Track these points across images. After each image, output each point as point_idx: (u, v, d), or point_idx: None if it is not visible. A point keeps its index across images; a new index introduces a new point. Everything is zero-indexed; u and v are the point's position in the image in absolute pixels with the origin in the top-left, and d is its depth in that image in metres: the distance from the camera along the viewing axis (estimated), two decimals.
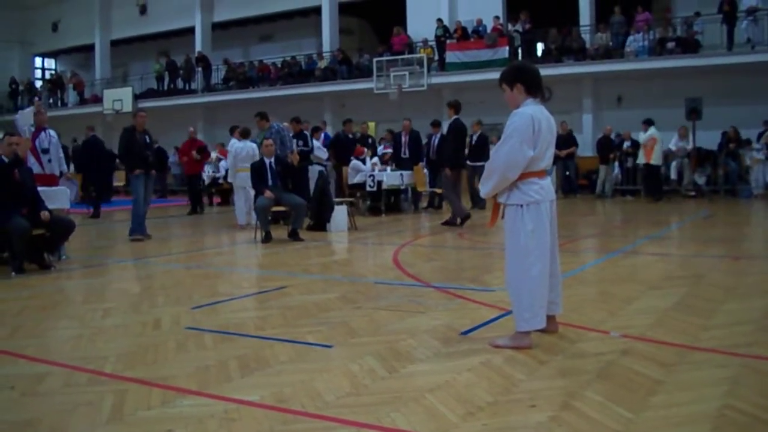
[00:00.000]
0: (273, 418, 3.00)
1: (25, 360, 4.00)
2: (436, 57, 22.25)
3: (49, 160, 10.25)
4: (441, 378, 3.48)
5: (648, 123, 16.70)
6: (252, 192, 10.98)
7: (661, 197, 16.67)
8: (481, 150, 15.05)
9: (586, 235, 10.35)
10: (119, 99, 26.98)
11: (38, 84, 33.00)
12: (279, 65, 25.50)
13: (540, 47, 21.69)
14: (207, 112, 27.33)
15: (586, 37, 20.34)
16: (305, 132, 13.07)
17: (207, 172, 17.93)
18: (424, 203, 15.79)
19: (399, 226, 12.00)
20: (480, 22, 21.55)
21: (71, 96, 30.81)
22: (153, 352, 4.11)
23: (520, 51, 20.82)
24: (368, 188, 13.71)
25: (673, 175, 17.74)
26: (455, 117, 11.62)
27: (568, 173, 18.62)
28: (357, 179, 13.90)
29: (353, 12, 27.19)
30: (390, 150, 15.20)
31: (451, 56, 21.62)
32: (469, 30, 21.69)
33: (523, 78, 4.12)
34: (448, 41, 21.89)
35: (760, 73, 17.52)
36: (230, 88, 26.18)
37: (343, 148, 14.48)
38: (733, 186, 17.24)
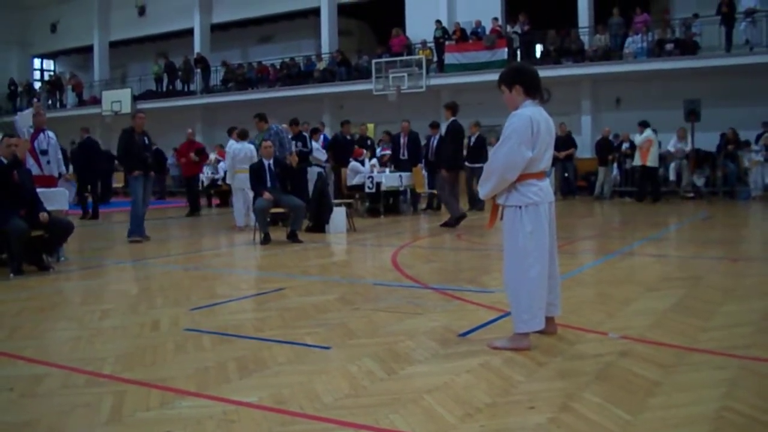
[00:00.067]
0: (271, 419, 3.00)
1: (23, 361, 3.99)
2: (435, 58, 22.26)
3: (48, 162, 10.26)
4: (439, 379, 3.48)
5: (643, 125, 16.74)
6: (250, 193, 10.98)
7: (659, 198, 16.70)
8: (479, 151, 15.08)
9: (585, 236, 10.36)
10: (118, 100, 26.99)
11: (37, 85, 32.99)
12: (278, 66, 25.50)
13: (539, 49, 21.71)
14: (206, 114, 27.32)
15: (584, 38, 20.36)
16: (304, 133, 13.08)
17: (206, 174, 17.93)
18: (423, 205, 15.80)
19: (398, 228, 12.00)
20: (479, 23, 21.57)
21: (70, 97, 30.80)
22: (151, 353, 4.11)
23: (518, 52, 20.83)
24: (367, 190, 13.71)
25: (672, 177, 17.77)
26: (452, 118, 11.63)
27: (566, 175, 18.63)
28: (356, 181, 13.90)
29: (352, 13, 27.21)
30: (389, 151, 15.20)
31: (449, 58, 21.62)
32: (468, 31, 21.70)
33: (521, 79, 4.12)
34: (446, 43, 21.90)
35: (758, 75, 17.55)
36: (229, 89, 26.17)
37: (342, 150, 14.48)
38: (732, 187, 17.26)
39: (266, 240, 9.66)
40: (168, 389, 3.42)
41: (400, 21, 23.71)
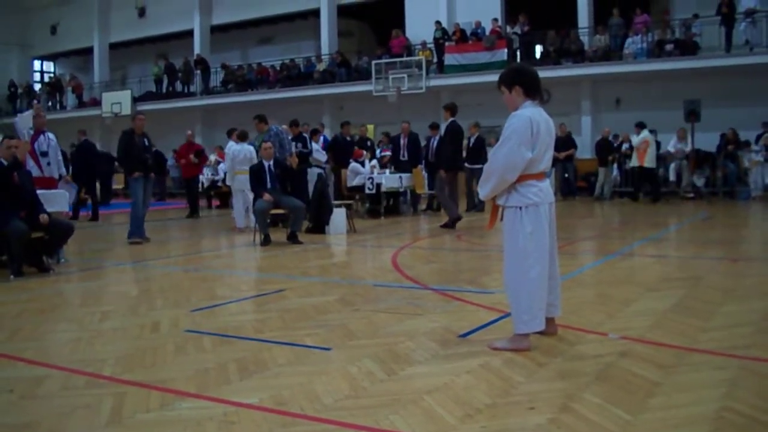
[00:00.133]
0: (272, 420, 3.00)
1: (23, 363, 4.00)
2: (435, 59, 22.26)
3: (48, 163, 10.24)
4: (439, 380, 3.48)
5: (640, 126, 16.77)
6: (250, 195, 10.99)
7: (659, 198, 16.73)
8: (478, 152, 15.09)
9: (585, 237, 10.36)
10: (118, 102, 26.99)
11: (37, 87, 32.99)
12: (278, 68, 25.51)
13: (538, 49, 21.71)
14: (206, 115, 27.33)
15: (584, 39, 20.36)
16: (304, 135, 13.09)
17: (206, 175, 17.93)
18: (423, 206, 15.81)
19: (398, 229, 12.00)
20: (478, 24, 21.57)
21: (70, 99, 30.81)
22: (151, 354, 4.11)
23: (518, 53, 20.84)
24: (367, 191, 13.72)
25: (672, 177, 17.78)
26: (451, 119, 11.64)
27: (567, 175, 18.62)
28: (356, 182, 13.90)
29: (352, 14, 27.21)
30: (389, 153, 15.21)
31: (449, 59, 21.62)
32: (468, 32, 21.69)
33: (521, 80, 4.12)
34: (446, 43, 21.90)
35: (758, 75, 17.55)
36: (229, 90, 26.17)
37: (342, 151, 14.49)
38: (732, 188, 17.26)
39: (266, 241, 9.66)
40: (168, 391, 3.42)
41: (399, 22, 23.72)
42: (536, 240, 4.00)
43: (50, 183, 9.88)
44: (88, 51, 31.33)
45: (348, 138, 14.90)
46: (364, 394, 3.33)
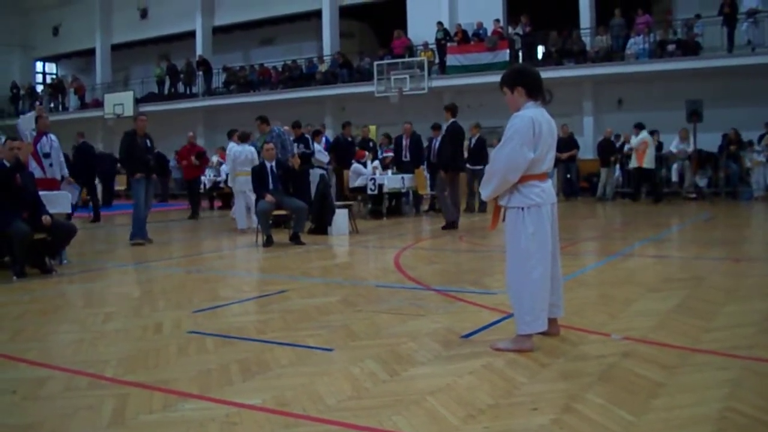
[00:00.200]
0: (274, 421, 3.00)
1: (26, 364, 4.00)
2: (437, 60, 22.27)
3: (51, 165, 10.27)
4: (442, 381, 3.48)
5: (639, 127, 16.77)
6: (252, 196, 10.99)
7: (660, 199, 16.73)
8: (479, 153, 15.08)
9: (587, 237, 10.35)
10: (120, 103, 26.99)
11: (39, 88, 33.02)
12: (280, 69, 25.53)
13: (540, 50, 21.70)
14: (208, 116, 27.34)
15: (586, 39, 20.35)
16: (306, 135, 13.09)
17: (208, 176, 17.94)
18: (425, 206, 15.80)
19: (400, 230, 12.00)
20: (480, 25, 21.56)
21: (72, 100, 30.85)
22: (154, 356, 4.11)
23: (520, 54, 20.83)
24: (369, 191, 13.72)
25: (674, 178, 17.77)
26: (452, 120, 11.63)
27: (569, 176, 18.60)
28: (358, 182, 13.91)
29: (354, 15, 27.22)
30: (391, 153, 15.22)
31: (451, 59, 21.63)
32: (470, 33, 21.69)
33: (523, 81, 4.12)
34: (448, 44, 21.90)
35: (760, 75, 17.53)
36: (231, 91, 26.20)
37: (343, 152, 14.51)
38: (734, 188, 17.24)
39: (268, 242, 9.67)
40: (171, 392, 3.42)
41: (401, 23, 23.72)
42: (538, 241, 4.00)
43: (53, 184, 9.91)
44: (91, 52, 31.37)
45: (349, 139, 14.91)
46: (366, 394, 3.32)
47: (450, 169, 11.57)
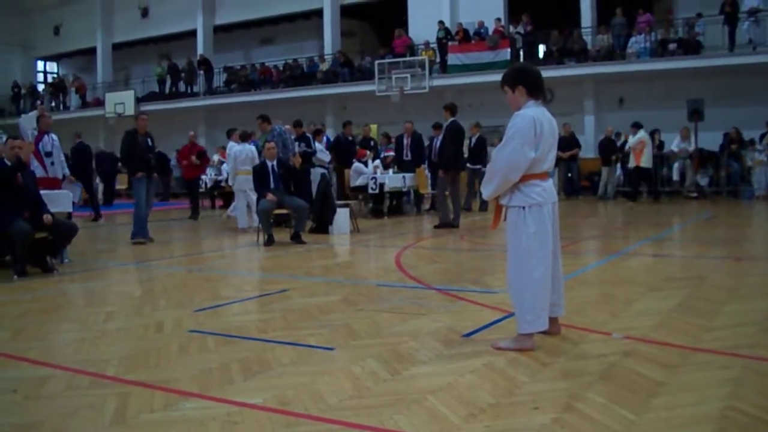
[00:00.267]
0: (276, 420, 3.00)
1: (27, 363, 4.00)
2: (438, 59, 22.26)
3: (52, 163, 10.29)
4: (443, 380, 3.48)
5: (637, 126, 16.77)
6: (252, 195, 10.99)
7: (658, 197, 16.74)
8: (479, 153, 15.07)
9: (588, 236, 10.34)
10: (121, 102, 27.01)
11: (40, 87, 33.05)
12: (281, 68, 25.53)
13: (542, 49, 21.72)
14: (209, 115, 27.35)
15: (587, 38, 20.34)
16: (307, 134, 13.10)
17: (209, 175, 17.94)
18: (426, 205, 15.80)
19: (401, 229, 12.00)
20: (481, 24, 21.56)
21: (73, 99, 30.86)
22: (155, 355, 4.11)
23: (521, 53, 20.84)
24: (370, 191, 13.72)
25: (676, 177, 17.76)
26: (452, 119, 11.62)
27: (570, 175, 18.60)
28: (359, 182, 13.91)
29: (355, 14, 27.21)
30: (392, 153, 15.22)
31: (452, 58, 21.62)
32: (471, 32, 21.69)
33: (524, 80, 4.12)
34: (449, 43, 21.90)
35: (761, 74, 17.52)
36: (232, 91, 26.21)
37: (344, 151, 14.51)
38: (736, 187, 17.23)
39: (270, 241, 9.67)
40: (172, 391, 3.42)
41: (402, 22, 23.72)
42: (539, 240, 4.00)
43: (54, 183, 9.93)
44: (91, 51, 31.38)
45: (350, 138, 14.91)
46: (367, 394, 3.32)
47: (451, 168, 11.56)
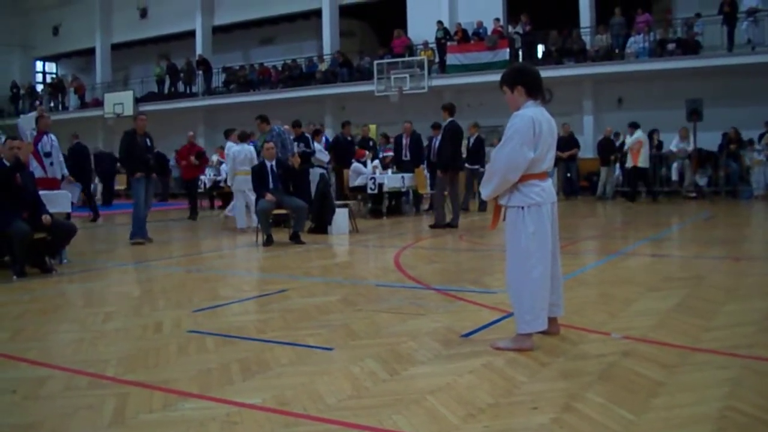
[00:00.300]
0: (275, 420, 3.00)
1: (26, 363, 4.00)
2: (437, 59, 22.26)
3: (51, 164, 10.29)
4: (442, 380, 3.48)
5: (634, 126, 16.78)
6: (251, 195, 10.99)
7: (656, 197, 16.75)
8: (478, 153, 15.06)
9: (587, 236, 10.35)
10: (120, 102, 27.01)
11: (39, 88, 33.04)
12: (280, 68, 25.53)
13: (540, 49, 21.70)
14: (208, 116, 27.34)
15: (586, 38, 20.35)
16: (306, 135, 13.09)
17: (208, 175, 17.94)
18: (425, 205, 15.80)
19: (400, 229, 12.00)
20: (480, 24, 21.56)
21: (72, 100, 30.85)
22: (154, 355, 4.11)
23: (520, 53, 20.84)
24: (369, 191, 13.72)
25: (675, 177, 17.78)
26: (450, 119, 11.62)
27: (569, 175, 18.61)
28: (358, 182, 13.91)
29: (354, 14, 27.22)
30: (391, 153, 15.21)
31: (451, 58, 21.63)
32: (470, 32, 21.69)
33: (523, 80, 4.12)
34: (448, 43, 21.90)
35: (760, 74, 17.53)
36: (231, 91, 26.21)
37: (343, 151, 14.50)
38: (734, 187, 17.24)
39: (269, 241, 9.67)
40: (171, 391, 3.42)
41: (401, 22, 23.71)
42: (539, 240, 4.00)
43: (54, 184, 9.93)
44: (90, 52, 31.37)
45: (349, 138, 14.91)
46: (366, 394, 3.32)
47: (449, 168, 11.56)
